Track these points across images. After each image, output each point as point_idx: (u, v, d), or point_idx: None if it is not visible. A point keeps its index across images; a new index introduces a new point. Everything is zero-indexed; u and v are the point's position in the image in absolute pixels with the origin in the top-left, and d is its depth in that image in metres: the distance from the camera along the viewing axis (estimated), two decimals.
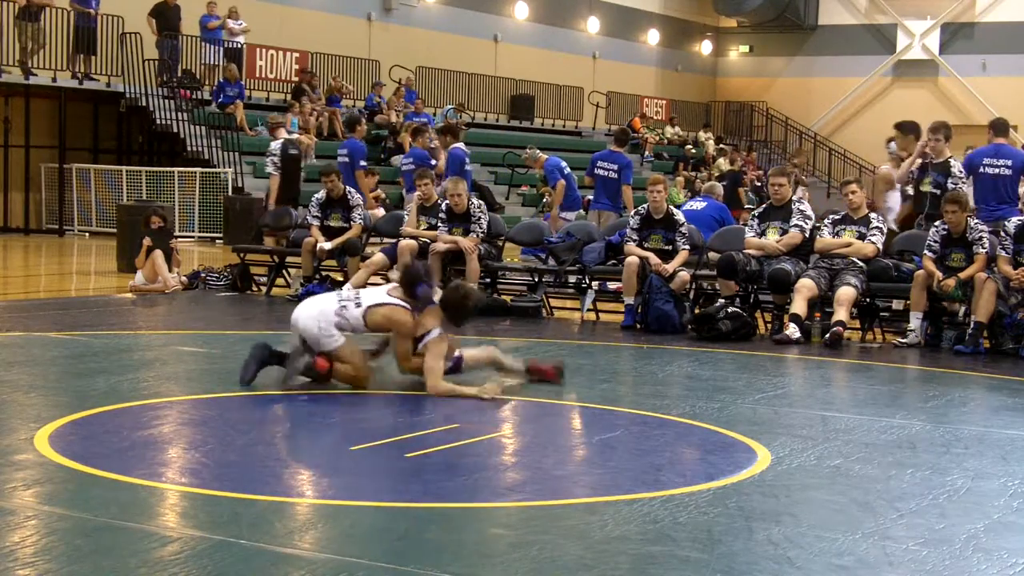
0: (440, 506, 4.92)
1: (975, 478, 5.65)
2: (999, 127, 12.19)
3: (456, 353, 7.70)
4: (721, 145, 35.30)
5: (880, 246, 10.73)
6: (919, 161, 11.55)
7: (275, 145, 15.61)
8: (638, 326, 11.00)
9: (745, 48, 40.48)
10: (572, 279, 12.42)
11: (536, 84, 32.42)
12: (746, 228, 11.38)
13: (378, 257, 12.51)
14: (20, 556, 4.11)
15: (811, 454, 6.04)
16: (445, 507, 4.92)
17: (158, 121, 23.01)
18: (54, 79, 21.89)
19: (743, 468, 5.72)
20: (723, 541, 4.52)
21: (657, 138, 34.02)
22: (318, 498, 5.12)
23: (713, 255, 11.49)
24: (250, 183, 21.88)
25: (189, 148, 22.92)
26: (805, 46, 38.91)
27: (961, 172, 11.24)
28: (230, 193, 21.31)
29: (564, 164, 17.01)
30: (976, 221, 10.44)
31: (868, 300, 10.84)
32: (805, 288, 10.39)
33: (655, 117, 36.04)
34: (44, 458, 5.48)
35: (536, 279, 12.30)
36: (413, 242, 12.18)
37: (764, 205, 11.67)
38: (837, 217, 11.05)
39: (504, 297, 12.43)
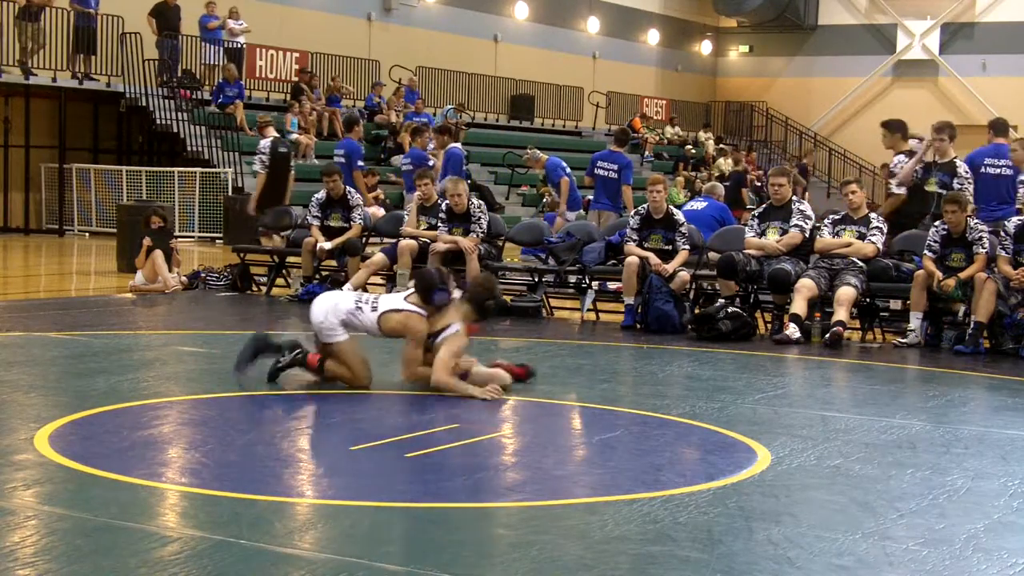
0: (440, 506, 4.93)
1: (975, 478, 5.65)
2: (999, 127, 12.20)
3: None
4: (721, 145, 35.30)
5: (880, 246, 10.73)
6: (922, 161, 11.56)
7: (264, 143, 15.63)
8: (638, 326, 11.00)
9: (745, 48, 40.48)
10: (572, 279, 12.41)
11: (536, 84, 32.43)
12: (746, 228, 11.38)
13: (378, 257, 12.52)
14: (20, 556, 4.11)
15: (811, 454, 6.04)
16: (445, 507, 4.92)
17: (158, 121, 23.01)
18: (54, 79, 21.89)
19: (743, 468, 5.72)
20: (723, 541, 4.52)
21: (657, 138, 34.02)
22: (318, 498, 5.12)
23: (713, 255, 11.49)
24: (250, 183, 21.81)
25: (189, 148, 22.93)
26: (805, 46, 38.92)
27: (967, 172, 11.23)
28: (230, 193, 21.32)
29: (564, 164, 17.04)
30: (976, 221, 10.44)
31: (868, 300, 10.84)
32: (805, 288, 10.39)
33: (655, 117, 36.04)
34: (44, 458, 5.48)
35: (536, 279, 12.30)
36: (413, 242, 12.19)
37: (764, 205, 11.67)
38: (837, 217, 11.06)
39: (504, 297, 12.41)
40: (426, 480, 5.37)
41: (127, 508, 4.74)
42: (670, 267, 10.99)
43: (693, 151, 33.86)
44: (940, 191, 11.11)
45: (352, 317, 7.45)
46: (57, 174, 22.58)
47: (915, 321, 10.34)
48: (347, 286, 12.03)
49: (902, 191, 11.54)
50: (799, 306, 10.34)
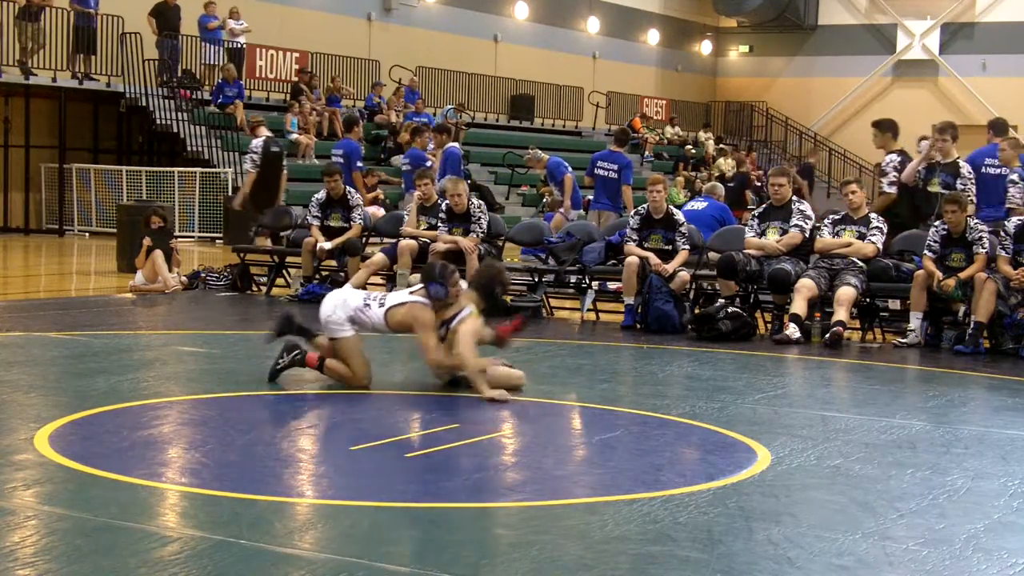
0: (440, 506, 4.93)
1: (975, 478, 5.65)
2: (998, 127, 12.22)
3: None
4: (721, 145, 35.30)
5: (880, 246, 10.73)
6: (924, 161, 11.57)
7: (256, 143, 15.66)
8: (638, 326, 11.00)
9: (745, 48, 40.48)
10: (572, 279, 12.41)
11: (536, 84, 32.43)
12: (746, 228, 11.38)
13: (378, 257, 12.52)
14: (20, 556, 4.11)
15: (811, 454, 6.04)
16: (445, 507, 4.92)
17: (158, 121, 23.01)
18: (54, 79, 21.89)
19: (743, 468, 5.72)
20: (723, 541, 4.52)
21: (657, 138, 34.02)
22: (318, 498, 5.12)
23: (713, 255, 11.49)
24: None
25: (189, 148, 22.93)
26: (805, 46, 38.92)
27: (970, 173, 11.23)
28: (230, 193, 21.29)
29: (567, 164, 17.10)
30: (976, 221, 10.44)
31: (868, 300, 10.84)
32: (805, 288, 10.39)
33: (655, 117, 36.04)
34: (44, 458, 5.48)
35: (536, 279, 12.29)
36: (413, 242, 12.19)
37: (764, 205, 11.67)
38: (837, 217, 11.05)
39: (504, 297, 12.41)
40: (426, 480, 5.37)
41: (127, 508, 4.74)
42: (670, 267, 10.99)
43: (693, 151, 33.86)
44: (943, 191, 11.10)
45: (360, 314, 7.47)
46: (57, 174, 22.58)
47: (915, 321, 10.34)
48: (347, 286, 12.03)
49: (892, 190, 11.52)
50: (799, 306, 10.34)
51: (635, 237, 11.28)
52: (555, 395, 7.63)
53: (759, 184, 28.69)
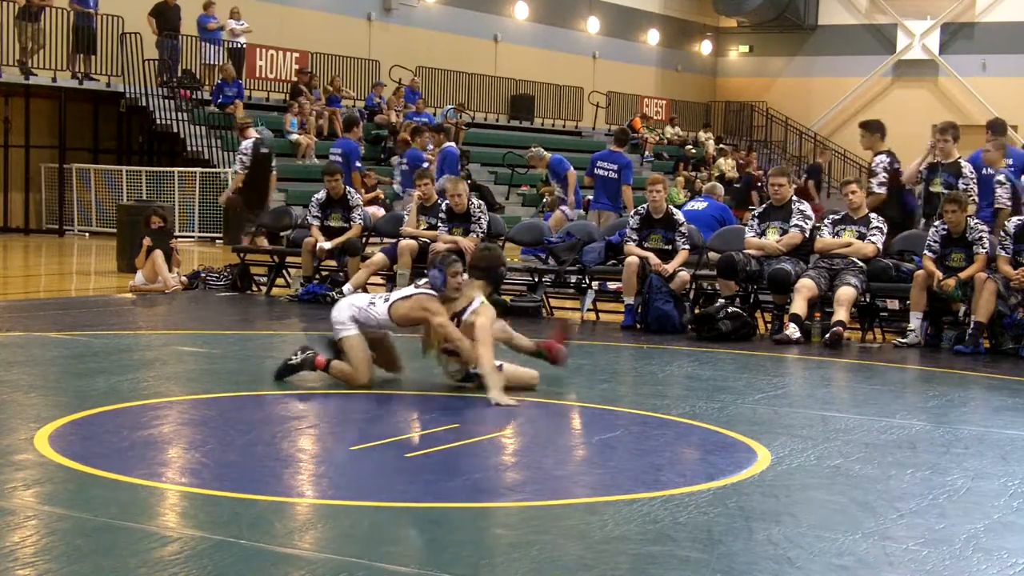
0: (440, 506, 4.92)
1: (975, 478, 5.65)
2: (997, 127, 12.23)
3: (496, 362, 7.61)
4: (721, 145, 35.30)
5: (880, 246, 10.73)
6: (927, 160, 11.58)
7: (246, 144, 15.69)
8: (638, 326, 11.00)
9: (745, 48, 40.48)
10: (572, 279, 12.41)
11: (536, 84, 32.43)
12: (746, 228, 11.38)
13: (378, 257, 12.52)
14: (20, 556, 4.12)
15: (811, 454, 6.04)
16: (445, 507, 4.92)
17: (158, 121, 23.01)
18: (54, 79, 21.89)
19: (743, 468, 5.72)
20: (723, 541, 4.52)
21: (657, 138, 34.02)
22: (318, 498, 5.12)
23: (713, 255, 11.49)
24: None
25: (189, 148, 22.93)
26: (805, 46, 38.92)
27: (972, 173, 11.24)
28: (230, 193, 21.27)
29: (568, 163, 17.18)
30: (976, 221, 10.45)
31: (868, 300, 10.83)
32: (805, 288, 10.39)
33: (655, 117, 36.04)
34: (44, 458, 5.48)
35: (536, 279, 12.29)
36: (413, 242, 12.19)
37: (764, 205, 11.67)
38: (837, 217, 11.05)
39: (504, 297, 12.42)
40: (426, 480, 5.37)
41: (127, 508, 4.74)
42: (670, 267, 10.99)
43: (693, 151, 33.86)
44: (945, 191, 11.10)
45: (365, 312, 7.48)
46: (57, 174, 22.58)
47: (915, 321, 10.34)
48: (347, 286, 12.05)
49: (882, 191, 11.52)
50: (799, 306, 10.34)
51: (635, 237, 11.28)
52: (555, 395, 7.63)
53: (759, 184, 28.70)
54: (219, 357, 8.98)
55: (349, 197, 12.88)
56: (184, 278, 13.56)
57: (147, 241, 13.10)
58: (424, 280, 7.64)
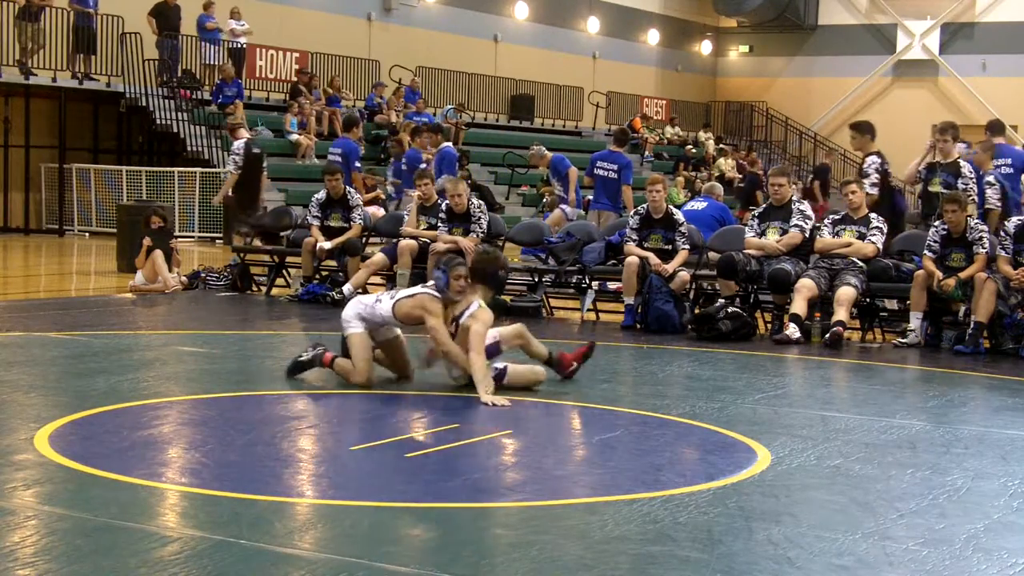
0: (440, 506, 4.93)
1: (975, 478, 5.65)
2: (996, 127, 12.29)
3: (500, 364, 7.61)
4: (721, 145, 35.30)
5: (880, 246, 10.73)
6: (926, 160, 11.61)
7: (238, 144, 15.71)
8: (638, 326, 11.00)
9: (745, 48, 40.48)
10: (572, 279, 12.41)
11: (536, 84, 32.43)
12: (746, 228, 11.38)
13: (378, 257, 12.52)
14: (20, 556, 4.12)
15: (811, 454, 6.04)
16: (445, 507, 4.92)
17: (158, 121, 23.01)
18: (54, 79, 21.89)
19: (743, 468, 5.72)
20: (723, 541, 4.52)
21: (657, 138, 34.01)
22: (318, 498, 5.12)
23: (713, 255, 11.49)
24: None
25: (189, 148, 22.92)
26: (805, 46, 38.92)
27: (971, 172, 11.26)
28: (230, 193, 21.27)
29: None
30: (976, 221, 10.45)
31: (868, 300, 10.84)
32: (805, 288, 10.39)
33: (655, 117, 36.04)
34: (44, 458, 5.48)
35: (536, 279, 12.29)
36: (413, 242, 12.19)
37: (764, 205, 11.68)
38: (837, 217, 11.05)
39: (504, 297, 12.42)
40: (426, 480, 5.37)
41: (127, 508, 4.74)
42: (670, 267, 10.99)
43: (693, 151, 33.86)
44: (944, 191, 11.12)
45: (371, 309, 7.53)
46: (57, 174, 22.57)
47: (915, 321, 10.34)
48: (347, 287, 12.05)
49: (875, 192, 11.53)
50: (799, 306, 10.34)
51: (635, 237, 11.28)
52: (555, 395, 7.63)
53: (764, 184, 28.72)
54: (219, 357, 8.98)
55: (349, 197, 12.88)
56: (184, 278, 13.56)
57: (147, 241, 13.10)
58: (431, 282, 7.66)
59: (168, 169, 22.37)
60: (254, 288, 13.64)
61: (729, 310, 10.55)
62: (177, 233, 17.22)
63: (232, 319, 11.43)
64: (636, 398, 7.74)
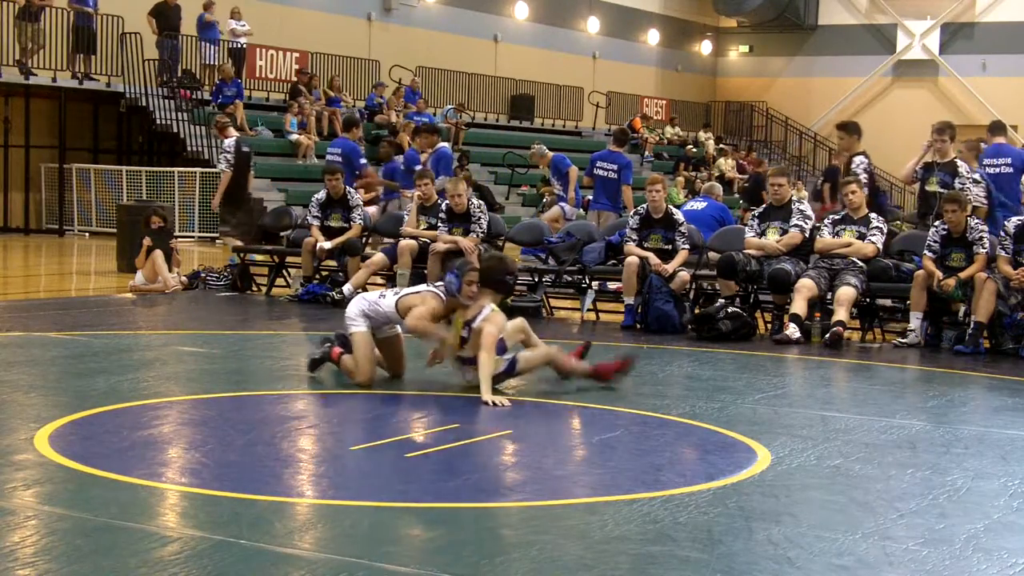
0: (440, 506, 4.93)
1: (975, 478, 5.65)
2: (996, 128, 12.33)
3: (509, 355, 7.60)
4: (721, 145, 35.30)
5: (880, 246, 10.74)
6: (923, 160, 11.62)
7: (229, 143, 15.73)
8: (638, 326, 11.00)
9: (745, 48, 40.49)
10: (572, 279, 12.41)
11: (536, 84, 32.43)
12: (746, 228, 11.38)
13: (378, 257, 12.52)
14: (20, 556, 4.11)
15: (811, 454, 6.04)
16: (445, 507, 4.92)
17: (158, 121, 23.00)
18: (54, 79, 21.88)
19: (743, 468, 5.72)
20: (723, 541, 4.52)
21: (657, 138, 34.02)
22: (318, 498, 5.12)
23: (713, 255, 11.49)
24: (250, 183, 21.85)
25: (189, 148, 22.92)
26: (805, 46, 38.92)
27: (968, 172, 11.27)
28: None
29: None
30: (976, 221, 10.45)
31: (868, 300, 10.84)
32: (805, 288, 10.39)
33: (655, 117, 36.04)
34: (44, 458, 5.48)
35: (536, 279, 12.29)
36: (413, 242, 12.19)
37: (764, 205, 11.68)
38: (837, 217, 11.05)
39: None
40: (426, 480, 5.37)
41: (127, 508, 4.74)
42: (670, 267, 10.99)
43: (693, 151, 33.86)
44: (941, 191, 11.14)
45: (375, 306, 7.54)
46: (57, 174, 22.57)
47: (915, 321, 10.34)
48: (347, 287, 12.05)
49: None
50: (799, 306, 10.34)
51: (635, 237, 11.28)
52: (555, 395, 7.63)
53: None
54: (219, 357, 8.98)
55: (349, 197, 12.88)
56: (184, 278, 13.56)
57: (147, 241, 13.10)
58: (440, 283, 7.67)
59: (168, 169, 22.37)
60: (254, 288, 13.64)
61: (729, 310, 10.55)
62: (177, 233, 17.22)
63: (232, 319, 11.43)
64: (636, 398, 7.74)
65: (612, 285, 12.02)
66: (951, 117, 21.52)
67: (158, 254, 13.05)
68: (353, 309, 7.66)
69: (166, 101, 23.03)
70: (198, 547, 4.24)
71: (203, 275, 13.74)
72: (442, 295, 7.50)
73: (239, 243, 14.26)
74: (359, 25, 28.76)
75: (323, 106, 25.15)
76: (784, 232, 10.98)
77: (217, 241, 14.38)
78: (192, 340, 9.86)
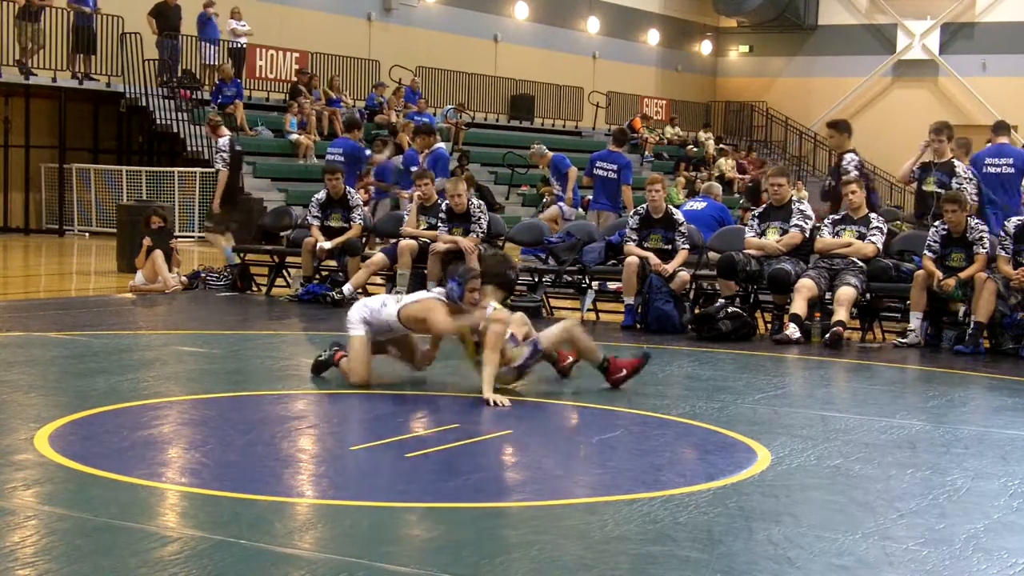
0: (440, 506, 4.93)
1: (975, 478, 5.65)
2: (999, 128, 12.34)
3: (533, 337, 7.60)
4: (721, 145, 35.29)
5: (880, 246, 10.74)
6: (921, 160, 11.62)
7: (223, 142, 15.73)
8: (638, 326, 11.00)
9: (745, 48, 40.49)
10: (572, 279, 12.41)
11: (536, 84, 32.43)
12: (746, 228, 11.38)
13: (378, 257, 12.51)
14: (20, 556, 4.12)
15: (811, 454, 6.04)
16: (445, 507, 4.92)
17: (158, 121, 23.00)
18: (54, 79, 21.88)
19: (743, 468, 5.72)
20: (723, 541, 4.52)
21: (657, 138, 34.02)
22: (318, 498, 5.12)
23: (713, 255, 11.49)
24: (250, 183, 21.88)
25: (189, 148, 22.92)
26: (805, 46, 38.92)
27: (966, 172, 11.27)
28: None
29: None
30: (976, 221, 10.45)
31: (868, 300, 10.83)
32: (805, 288, 10.39)
33: (655, 117, 36.04)
34: (44, 458, 5.48)
35: (536, 279, 12.29)
36: (413, 242, 12.18)
37: (764, 205, 11.68)
38: (837, 217, 11.05)
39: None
40: (426, 480, 5.37)
41: (127, 508, 4.74)
42: (670, 267, 10.99)
43: (694, 151, 33.86)
44: (939, 191, 11.14)
45: (376, 314, 7.54)
46: (57, 174, 22.57)
47: (915, 321, 10.34)
48: (347, 287, 12.05)
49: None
50: (799, 306, 10.34)
51: (635, 237, 11.28)
52: (555, 395, 7.63)
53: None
54: (219, 357, 8.98)
55: (349, 197, 12.88)
56: (184, 278, 13.56)
57: (147, 241, 13.11)
58: (442, 289, 7.66)
59: (168, 169, 22.37)
60: (254, 288, 13.64)
61: (729, 310, 10.55)
62: (177, 233, 17.22)
63: (232, 319, 11.43)
64: (636, 398, 7.74)
65: (612, 285, 12.02)
66: (951, 117, 21.55)
67: (158, 254, 13.05)
68: (354, 314, 7.66)
69: (166, 101, 23.04)
70: (198, 547, 4.24)
71: (203, 275, 13.74)
72: (444, 301, 7.49)
73: (224, 241, 14.24)
74: (359, 25, 28.76)
75: (323, 106, 25.15)
76: (784, 232, 10.98)
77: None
78: (192, 340, 9.86)
